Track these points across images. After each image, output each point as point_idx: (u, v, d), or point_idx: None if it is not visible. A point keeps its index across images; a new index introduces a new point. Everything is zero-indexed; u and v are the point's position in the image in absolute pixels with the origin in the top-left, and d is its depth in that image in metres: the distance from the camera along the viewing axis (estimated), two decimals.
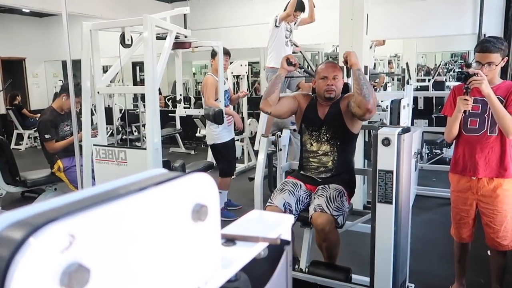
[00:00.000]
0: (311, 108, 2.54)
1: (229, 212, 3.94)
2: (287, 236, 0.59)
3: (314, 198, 2.34)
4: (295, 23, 4.51)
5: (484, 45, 2.16)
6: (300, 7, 4.25)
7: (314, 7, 4.60)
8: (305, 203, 2.42)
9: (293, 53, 5.01)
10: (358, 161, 3.49)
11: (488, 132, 2.22)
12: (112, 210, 0.31)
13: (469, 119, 2.26)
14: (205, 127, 4.12)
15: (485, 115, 2.22)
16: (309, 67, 5.14)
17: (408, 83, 5.48)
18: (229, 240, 0.52)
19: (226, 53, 4.03)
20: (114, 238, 0.30)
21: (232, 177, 4.13)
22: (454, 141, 2.38)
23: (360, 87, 2.26)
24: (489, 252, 2.44)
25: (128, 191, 0.33)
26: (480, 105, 2.22)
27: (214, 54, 3.91)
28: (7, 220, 0.28)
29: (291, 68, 2.52)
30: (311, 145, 2.52)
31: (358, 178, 3.21)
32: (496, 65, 2.16)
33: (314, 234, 2.44)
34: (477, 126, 2.25)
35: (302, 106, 2.56)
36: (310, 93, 2.68)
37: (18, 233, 0.26)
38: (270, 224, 0.60)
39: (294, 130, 2.92)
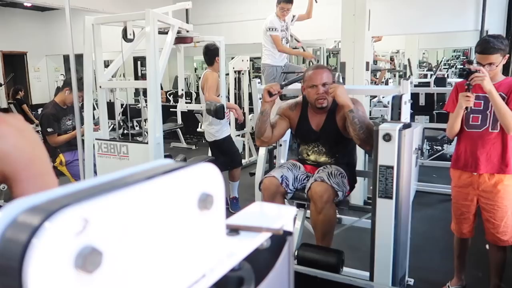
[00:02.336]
0: (303, 120, 2.45)
1: (238, 205, 4.03)
2: (290, 227, 0.60)
3: (315, 174, 2.32)
4: (292, 20, 4.49)
5: (484, 47, 2.16)
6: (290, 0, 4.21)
7: (316, 2, 4.59)
8: (302, 183, 2.39)
9: (294, 48, 5.01)
10: (360, 160, 3.50)
11: (490, 129, 2.24)
12: (123, 197, 0.32)
13: (471, 115, 2.27)
14: (204, 123, 4.11)
15: (487, 112, 2.23)
16: (311, 63, 5.14)
17: (405, 77, 5.47)
18: (233, 230, 0.53)
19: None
20: (124, 223, 0.32)
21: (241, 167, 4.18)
22: (456, 137, 2.39)
23: (357, 132, 2.16)
24: (487, 246, 2.46)
25: (137, 179, 0.34)
26: (482, 101, 2.23)
27: (212, 57, 3.89)
28: (22, 206, 0.29)
29: (274, 98, 2.35)
30: (308, 155, 2.50)
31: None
32: (497, 65, 2.17)
33: (308, 215, 2.36)
34: (479, 123, 2.26)
35: (293, 121, 2.47)
36: (298, 100, 2.53)
37: (34, 218, 0.28)
38: (273, 215, 0.61)
39: None
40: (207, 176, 0.42)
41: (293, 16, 4.50)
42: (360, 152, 3.52)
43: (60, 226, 0.27)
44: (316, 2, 4.58)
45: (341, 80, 2.75)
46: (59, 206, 0.28)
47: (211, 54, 3.91)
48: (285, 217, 0.60)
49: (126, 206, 0.32)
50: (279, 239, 0.58)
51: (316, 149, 2.46)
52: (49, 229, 0.27)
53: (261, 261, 0.56)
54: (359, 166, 3.51)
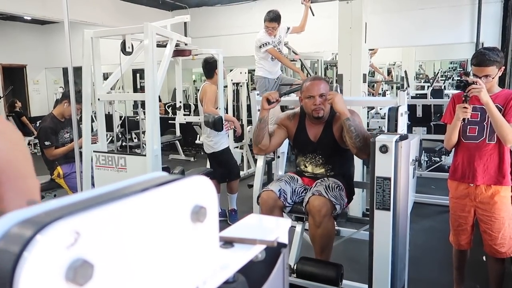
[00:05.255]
0: (301, 130, 2.46)
1: (236, 217, 4.03)
2: (284, 239, 0.60)
3: (312, 188, 2.31)
4: (286, 32, 4.55)
5: (479, 59, 2.18)
6: (269, 18, 4.26)
7: (314, 15, 4.64)
8: (300, 196, 2.38)
9: (292, 60, 5.06)
10: (358, 172, 3.51)
11: (487, 140, 2.24)
12: (115, 210, 0.32)
13: (468, 126, 2.28)
14: (203, 135, 4.13)
15: (484, 123, 2.24)
16: (308, 75, 5.17)
17: (403, 89, 5.49)
18: (227, 242, 0.53)
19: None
20: (116, 236, 0.32)
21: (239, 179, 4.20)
22: (454, 149, 2.40)
23: (353, 140, 2.18)
24: (484, 258, 2.45)
25: (130, 192, 0.35)
26: (479, 113, 2.24)
27: (211, 70, 3.92)
28: (15, 219, 0.30)
29: (272, 106, 2.38)
30: (305, 166, 2.50)
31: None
32: (493, 78, 2.19)
33: (307, 227, 2.35)
34: (476, 134, 2.27)
35: (291, 131, 2.49)
36: (296, 110, 2.55)
37: (26, 230, 0.28)
38: (268, 227, 0.61)
39: None
40: (200, 189, 0.42)
41: (288, 28, 4.55)
42: (358, 164, 3.53)
43: (51, 239, 0.27)
44: (313, 15, 4.64)
45: (338, 91, 2.77)
46: (51, 219, 0.28)
47: (210, 67, 3.94)
48: (279, 229, 0.60)
49: (118, 218, 0.32)
50: (274, 251, 0.58)
51: (313, 160, 2.46)
52: (41, 241, 0.27)
53: (255, 273, 0.56)
54: (357, 177, 3.51)
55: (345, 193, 2.35)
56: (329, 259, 2.27)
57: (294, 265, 2.25)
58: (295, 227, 2.57)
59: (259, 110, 2.50)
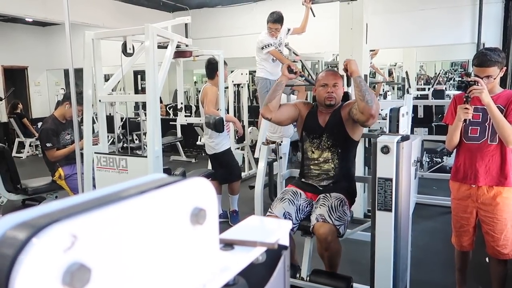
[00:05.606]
0: (312, 116, 2.55)
1: (237, 218, 4.02)
2: (285, 242, 0.59)
3: (316, 208, 2.33)
4: (287, 33, 4.56)
5: (481, 59, 2.18)
6: (273, 19, 4.28)
7: (314, 16, 4.64)
8: (305, 212, 2.41)
9: (293, 62, 5.06)
10: (359, 168, 3.50)
11: (489, 141, 2.23)
12: (113, 212, 0.32)
13: (470, 127, 2.27)
14: (204, 136, 4.14)
15: (486, 124, 2.23)
16: (309, 76, 5.17)
17: (408, 92, 5.48)
18: (227, 245, 0.52)
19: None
20: (114, 239, 0.31)
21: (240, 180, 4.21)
22: (455, 149, 2.39)
23: (362, 93, 2.27)
24: (487, 260, 2.44)
25: (128, 194, 0.34)
26: (481, 113, 2.23)
27: (213, 71, 3.93)
28: (11, 221, 0.29)
29: (292, 76, 2.52)
30: (312, 152, 2.53)
31: (359, 186, 3.21)
32: (495, 78, 2.18)
33: (315, 242, 2.43)
34: (477, 135, 2.26)
35: (303, 114, 2.58)
36: (307, 100, 2.70)
37: (21, 233, 0.27)
38: (268, 229, 0.60)
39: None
40: (199, 191, 0.42)
41: (288, 30, 4.56)
42: (359, 164, 3.52)
43: (48, 242, 0.27)
44: (314, 16, 4.63)
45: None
46: (48, 221, 0.28)
47: (212, 67, 3.94)
48: (280, 231, 0.59)
49: (117, 221, 0.32)
50: (274, 253, 0.57)
51: (320, 144, 2.49)
52: (37, 245, 0.26)
53: (256, 276, 0.55)
54: (359, 173, 3.50)
55: (348, 206, 2.39)
56: (338, 269, 2.38)
57: (307, 277, 2.40)
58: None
59: (267, 91, 2.57)
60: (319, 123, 2.51)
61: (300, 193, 2.47)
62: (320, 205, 2.32)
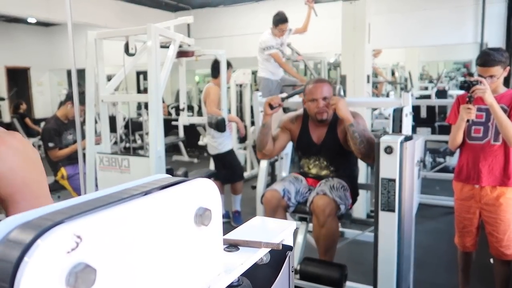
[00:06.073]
0: (304, 133, 2.46)
1: (240, 219, 4.01)
2: (290, 242, 0.59)
3: (317, 187, 2.31)
4: (288, 33, 4.56)
5: (484, 59, 2.17)
6: (282, 20, 4.28)
7: (317, 15, 4.64)
8: (304, 196, 2.38)
9: (294, 61, 5.05)
10: (362, 173, 3.49)
11: (492, 141, 2.23)
12: (118, 213, 0.31)
13: (473, 127, 2.26)
14: (207, 137, 4.15)
15: (489, 124, 2.22)
16: (312, 76, 5.17)
17: (406, 89, 5.45)
18: (232, 246, 0.52)
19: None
20: (119, 240, 0.31)
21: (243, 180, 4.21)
22: (458, 149, 2.38)
23: (358, 146, 2.19)
24: (491, 261, 2.43)
25: (133, 195, 0.34)
26: (484, 113, 2.22)
27: (218, 71, 3.93)
28: (15, 222, 0.29)
29: (275, 111, 2.39)
30: (309, 169, 2.50)
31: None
32: (498, 78, 2.17)
33: (310, 228, 2.37)
34: (481, 134, 2.25)
35: (294, 133, 2.49)
36: (299, 112, 2.54)
37: (26, 235, 0.27)
38: (273, 230, 0.60)
39: None
40: (204, 191, 0.41)
41: (290, 30, 4.56)
42: (362, 165, 3.51)
43: (52, 243, 0.27)
44: (317, 16, 4.63)
45: (342, 93, 2.75)
46: (52, 222, 0.28)
47: (218, 67, 3.94)
48: (285, 231, 0.59)
49: (121, 222, 0.32)
50: (279, 254, 0.57)
51: (317, 162, 2.45)
52: (41, 246, 0.26)
53: (260, 277, 0.55)
54: (362, 179, 3.49)
55: (349, 194, 2.34)
56: (333, 259, 2.27)
57: (298, 265, 2.25)
58: (298, 228, 2.56)
59: (261, 112, 2.50)
60: (313, 141, 2.43)
61: (302, 179, 2.45)
62: (321, 184, 2.30)
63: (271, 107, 2.35)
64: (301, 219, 2.47)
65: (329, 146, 2.39)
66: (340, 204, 2.18)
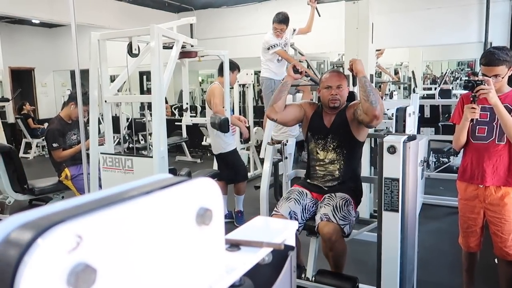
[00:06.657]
0: (317, 116, 2.54)
1: (243, 219, 4.00)
2: (291, 242, 0.59)
3: (321, 207, 2.33)
4: (292, 33, 4.56)
5: (489, 58, 2.15)
6: (278, 20, 4.29)
7: (320, 16, 4.63)
8: (311, 212, 2.41)
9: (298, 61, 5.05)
10: (365, 168, 3.48)
11: (496, 140, 2.21)
12: (119, 213, 0.31)
13: (477, 127, 2.25)
14: (210, 136, 4.15)
15: (494, 123, 2.21)
16: (316, 76, 5.15)
17: (414, 91, 5.44)
18: (234, 245, 0.52)
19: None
20: (120, 240, 0.31)
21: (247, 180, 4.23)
22: (462, 149, 2.37)
23: (367, 94, 2.26)
24: (496, 261, 2.41)
25: (134, 195, 0.34)
26: (489, 113, 2.21)
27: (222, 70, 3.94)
28: (16, 222, 0.29)
29: (297, 76, 2.52)
30: (317, 153, 2.52)
31: (365, 187, 3.19)
32: (503, 77, 2.16)
33: (320, 243, 2.43)
34: (485, 134, 2.24)
35: (308, 114, 2.57)
36: (314, 100, 2.69)
37: (26, 234, 0.27)
38: (275, 230, 0.60)
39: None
40: (205, 191, 0.41)
41: (294, 30, 4.57)
42: (365, 165, 3.50)
43: (53, 243, 0.27)
44: (319, 16, 4.62)
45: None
46: (52, 222, 0.28)
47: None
48: (286, 231, 0.59)
49: (122, 222, 0.32)
50: (281, 254, 0.57)
51: (325, 145, 2.48)
52: (42, 246, 0.26)
53: (262, 277, 0.55)
54: (365, 174, 3.48)
55: (353, 206, 2.37)
56: (343, 269, 2.38)
57: (313, 277, 2.40)
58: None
59: (271, 91, 2.57)
60: (324, 124, 2.50)
61: (306, 193, 2.46)
62: (325, 204, 2.32)
63: (295, 71, 2.48)
64: (311, 233, 2.48)
65: (338, 126, 2.46)
66: (345, 226, 2.23)
